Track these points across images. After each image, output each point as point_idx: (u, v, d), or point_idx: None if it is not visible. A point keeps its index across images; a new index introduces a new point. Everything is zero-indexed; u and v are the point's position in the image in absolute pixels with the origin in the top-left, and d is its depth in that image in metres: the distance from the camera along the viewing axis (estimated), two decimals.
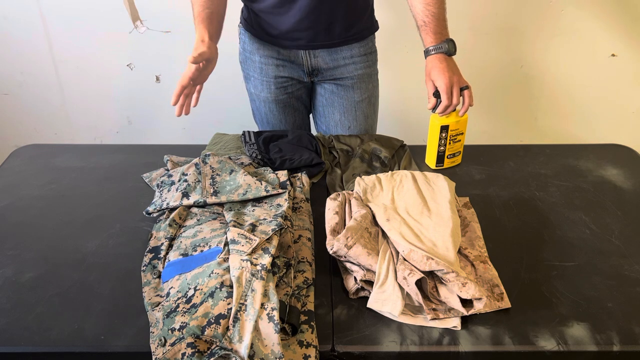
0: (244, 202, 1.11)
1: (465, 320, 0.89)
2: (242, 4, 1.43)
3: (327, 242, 0.96)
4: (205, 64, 1.21)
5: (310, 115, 1.62)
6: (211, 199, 1.09)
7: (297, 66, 1.43)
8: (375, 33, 1.48)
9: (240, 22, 1.47)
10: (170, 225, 1.05)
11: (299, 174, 1.22)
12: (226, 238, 0.96)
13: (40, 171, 1.30)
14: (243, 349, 0.79)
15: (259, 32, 1.40)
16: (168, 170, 1.25)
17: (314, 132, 1.56)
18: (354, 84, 1.46)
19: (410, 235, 0.96)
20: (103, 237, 1.08)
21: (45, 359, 0.86)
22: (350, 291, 0.94)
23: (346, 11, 1.34)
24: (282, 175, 1.17)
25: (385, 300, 0.89)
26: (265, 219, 1.01)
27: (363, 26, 1.41)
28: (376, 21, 1.47)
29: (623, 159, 1.34)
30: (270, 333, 0.80)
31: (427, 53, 1.26)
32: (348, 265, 0.96)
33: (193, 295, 0.86)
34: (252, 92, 1.52)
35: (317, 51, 1.39)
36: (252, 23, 1.41)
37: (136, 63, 2.11)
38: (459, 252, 0.99)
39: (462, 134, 1.28)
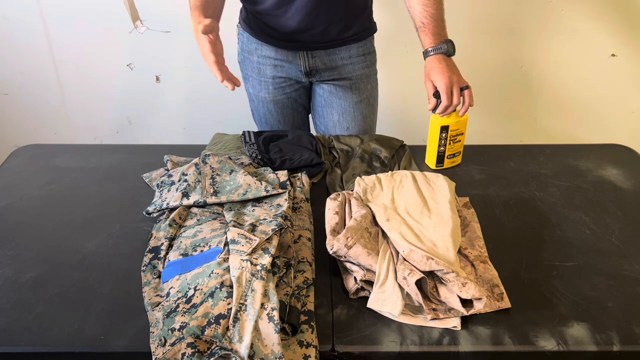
0: (244, 202, 1.11)
1: (465, 320, 0.89)
2: (241, 4, 1.43)
3: (327, 242, 0.96)
4: (214, 37, 1.13)
5: (310, 116, 1.62)
6: (211, 199, 1.09)
7: (295, 66, 1.43)
8: (375, 34, 1.48)
9: (239, 22, 1.47)
10: (170, 225, 1.05)
11: (299, 174, 1.22)
12: (226, 238, 0.96)
13: (40, 171, 1.30)
14: (243, 349, 0.79)
15: (257, 33, 1.40)
16: (168, 170, 1.25)
17: (313, 132, 1.56)
18: (352, 84, 1.46)
19: (410, 235, 0.96)
20: (103, 237, 1.08)
21: (45, 359, 0.86)
22: (350, 291, 0.94)
23: (344, 13, 1.34)
24: (282, 175, 1.17)
25: (385, 300, 0.89)
26: (265, 219, 1.01)
27: (361, 28, 1.41)
28: (375, 23, 1.47)
29: (623, 159, 1.34)
30: (270, 333, 0.80)
31: (426, 54, 1.26)
32: (348, 265, 0.96)
33: (193, 295, 0.86)
34: (250, 92, 1.52)
35: (315, 52, 1.39)
36: (250, 23, 1.41)
37: (136, 63, 2.11)
38: (459, 252, 0.99)
39: (462, 134, 1.28)
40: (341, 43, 1.39)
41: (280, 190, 1.12)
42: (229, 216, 1.04)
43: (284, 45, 1.39)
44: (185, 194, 1.11)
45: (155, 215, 1.12)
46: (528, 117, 2.29)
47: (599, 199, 1.19)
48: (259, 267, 0.87)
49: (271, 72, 1.44)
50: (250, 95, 1.54)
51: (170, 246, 1.02)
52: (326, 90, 1.48)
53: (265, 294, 0.84)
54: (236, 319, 0.82)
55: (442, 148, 1.28)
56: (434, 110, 1.25)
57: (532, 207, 1.17)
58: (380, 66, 1.53)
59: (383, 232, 1.00)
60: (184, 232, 1.04)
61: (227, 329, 0.81)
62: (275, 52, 1.41)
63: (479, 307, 0.88)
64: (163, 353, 0.79)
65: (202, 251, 0.97)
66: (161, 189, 1.17)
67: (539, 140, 2.31)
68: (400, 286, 0.90)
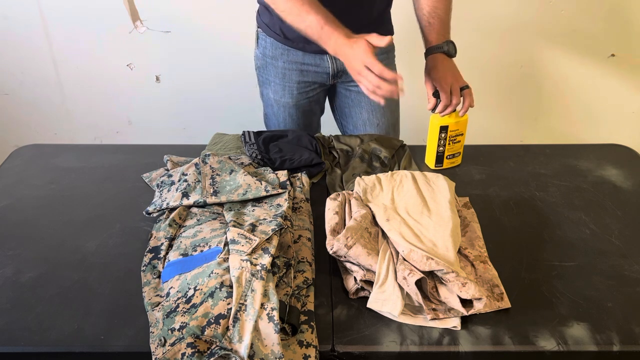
0: (243, 202, 1.11)
1: (465, 320, 0.89)
2: (256, 7, 1.42)
3: (327, 242, 0.96)
4: None
5: (322, 118, 1.62)
6: (211, 199, 1.09)
7: (322, 70, 1.43)
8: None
9: (260, 27, 1.45)
10: (170, 225, 1.05)
11: (299, 174, 1.22)
12: (226, 238, 0.96)
13: (40, 171, 1.30)
14: (243, 349, 0.79)
15: (284, 38, 1.39)
16: (168, 170, 1.25)
17: (323, 132, 1.56)
18: None
19: (410, 235, 0.96)
20: (103, 237, 1.08)
21: (45, 359, 0.86)
22: (350, 291, 0.94)
23: (369, 19, 1.35)
24: (282, 175, 1.17)
25: (385, 300, 0.89)
26: (265, 219, 1.01)
27: (384, 30, 1.43)
28: (392, 25, 1.49)
29: (623, 159, 1.34)
30: (270, 333, 0.80)
31: (427, 53, 1.27)
32: (348, 265, 0.96)
33: (193, 295, 0.86)
34: (270, 97, 1.50)
35: None
36: (276, 29, 1.39)
37: (136, 63, 2.12)
38: (459, 252, 0.99)
39: (462, 134, 1.28)
40: None
41: (280, 190, 1.12)
42: (229, 216, 1.04)
43: (312, 49, 1.38)
44: (185, 194, 1.11)
45: (155, 215, 1.12)
46: (528, 117, 2.29)
47: (598, 199, 1.19)
48: (258, 267, 0.88)
49: (297, 77, 1.44)
50: (269, 101, 1.52)
51: (170, 246, 1.02)
52: (353, 91, 1.48)
53: (265, 294, 0.84)
54: (236, 319, 0.82)
55: (441, 148, 1.28)
56: (433, 109, 1.25)
57: (532, 207, 1.17)
58: None
59: (383, 232, 1.00)
60: (184, 232, 1.04)
61: (227, 329, 0.81)
62: (303, 57, 1.41)
63: (479, 307, 0.88)
64: (163, 353, 0.79)
65: (202, 251, 0.97)
66: (161, 189, 1.17)
67: (539, 140, 2.31)
68: (400, 286, 0.90)
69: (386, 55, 1.46)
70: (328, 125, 1.63)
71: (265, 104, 1.56)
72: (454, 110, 1.23)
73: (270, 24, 1.41)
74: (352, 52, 1.08)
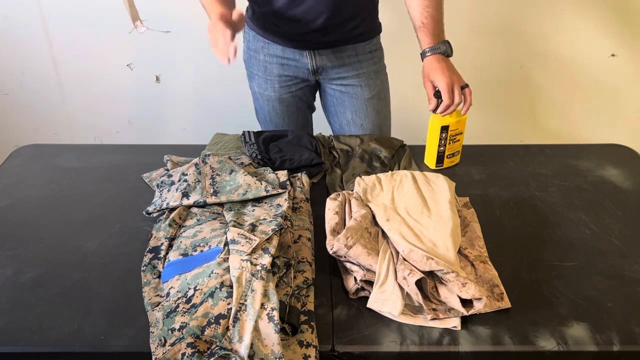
0: (244, 202, 1.11)
1: (465, 320, 0.89)
2: (247, 2, 1.43)
3: (327, 242, 0.96)
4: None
5: (313, 115, 1.62)
6: (211, 199, 1.09)
7: (302, 65, 1.43)
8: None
9: (246, 21, 1.47)
10: (170, 225, 1.05)
11: (299, 174, 1.22)
12: (226, 238, 0.96)
13: (40, 171, 1.30)
14: (243, 349, 0.79)
15: (264, 32, 1.41)
16: (168, 170, 1.25)
17: (317, 131, 1.56)
18: (361, 81, 1.46)
19: (410, 235, 0.96)
20: (103, 237, 1.08)
21: (45, 359, 0.86)
22: (350, 291, 0.94)
23: (352, 14, 1.35)
24: (282, 175, 1.17)
25: (385, 300, 0.89)
26: (265, 219, 1.01)
27: (367, 28, 1.42)
28: (380, 24, 1.48)
29: (623, 159, 1.34)
30: (270, 333, 0.80)
31: (424, 54, 1.26)
32: (348, 265, 0.96)
33: (193, 295, 0.86)
34: (255, 90, 1.53)
35: (322, 50, 1.40)
36: (257, 22, 1.41)
37: (136, 63, 2.12)
38: (459, 252, 0.99)
39: (461, 133, 1.28)
40: (347, 41, 1.40)
41: (280, 190, 1.12)
42: (229, 216, 1.04)
43: (290, 44, 1.39)
44: (185, 194, 1.11)
45: (155, 215, 1.12)
46: (528, 117, 2.29)
47: (598, 199, 1.19)
48: (259, 267, 0.88)
49: (277, 71, 1.45)
50: (255, 94, 1.54)
51: (170, 246, 1.02)
52: (337, 89, 1.49)
53: (265, 294, 0.84)
54: (236, 319, 0.82)
55: (442, 148, 1.28)
56: (434, 110, 1.25)
57: (532, 207, 1.17)
58: None
59: (383, 232, 1.00)
60: (184, 232, 1.04)
61: (227, 329, 0.81)
62: (282, 51, 1.42)
63: (479, 307, 0.88)
64: (163, 353, 0.79)
65: (202, 251, 0.97)
66: (161, 189, 1.17)
67: (539, 140, 2.31)
68: (400, 286, 0.90)
69: (371, 55, 1.46)
70: (327, 125, 1.63)
71: (253, 98, 1.57)
72: (455, 110, 1.23)
73: (253, 18, 1.42)
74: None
